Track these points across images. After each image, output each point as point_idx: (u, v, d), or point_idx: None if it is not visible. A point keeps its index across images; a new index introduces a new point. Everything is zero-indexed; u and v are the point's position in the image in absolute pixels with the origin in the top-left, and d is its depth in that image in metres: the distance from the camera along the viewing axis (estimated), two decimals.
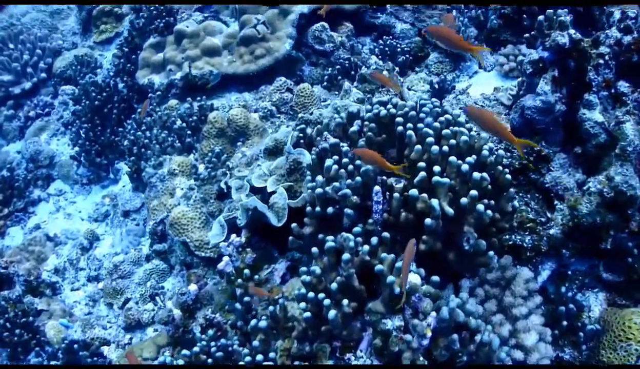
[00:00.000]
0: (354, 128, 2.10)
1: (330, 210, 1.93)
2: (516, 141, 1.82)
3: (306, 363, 1.78)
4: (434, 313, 1.58)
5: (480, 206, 1.71)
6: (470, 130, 1.92)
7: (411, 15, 3.75)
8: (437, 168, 1.75)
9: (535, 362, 1.76)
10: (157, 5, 4.00)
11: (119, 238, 3.48)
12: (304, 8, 3.59)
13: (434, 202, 1.71)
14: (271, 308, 1.97)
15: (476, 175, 1.75)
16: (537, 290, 1.92)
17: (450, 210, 1.72)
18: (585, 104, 2.10)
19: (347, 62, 3.44)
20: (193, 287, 2.51)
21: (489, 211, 1.74)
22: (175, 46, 3.82)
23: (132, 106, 4.12)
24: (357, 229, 1.81)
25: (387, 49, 3.58)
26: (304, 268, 1.83)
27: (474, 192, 1.71)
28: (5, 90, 4.65)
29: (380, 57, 3.55)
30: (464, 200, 1.71)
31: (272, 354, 1.87)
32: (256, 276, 2.23)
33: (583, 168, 2.16)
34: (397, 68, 3.38)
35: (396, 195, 1.80)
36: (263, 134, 3.05)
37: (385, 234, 1.76)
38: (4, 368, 2.97)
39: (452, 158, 1.77)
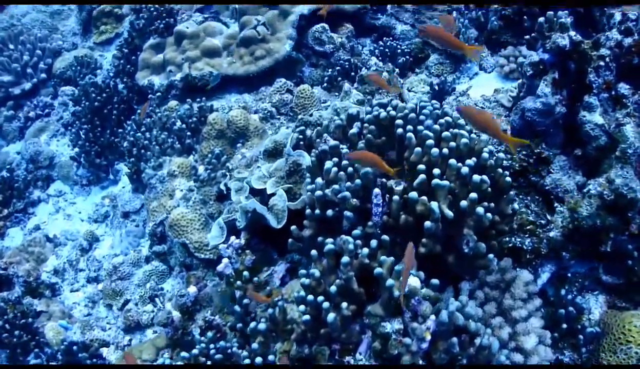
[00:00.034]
0: (354, 130, 2.10)
1: (329, 212, 1.92)
2: (509, 139, 1.84)
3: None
4: (433, 317, 1.57)
5: (480, 209, 1.71)
6: (470, 132, 1.92)
7: (411, 16, 3.75)
8: (436, 171, 1.75)
9: None
10: (157, 5, 4.00)
11: (119, 240, 3.48)
12: (304, 9, 3.59)
13: (434, 205, 1.71)
14: (270, 310, 1.96)
15: (476, 177, 1.74)
16: (537, 292, 1.92)
17: (449, 213, 1.72)
18: (585, 106, 2.10)
19: (347, 63, 3.43)
20: (192, 289, 2.51)
21: (489, 214, 1.73)
22: (175, 47, 3.82)
23: (132, 107, 4.12)
24: (356, 232, 1.81)
25: (387, 50, 3.57)
26: (303, 271, 1.83)
27: (473, 195, 1.71)
28: (5, 91, 4.65)
29: (380, 58, 3.55)
30: (463, 202, 1.70)
31: (271, 357, 1.86)
32: (255, 278, 2.23)
33: (583, 170, 2.15)
34: (397, 70, 3.38)
35: (396, 197, 1.79)
36: (263, 135, 3.05)
37: (385, 237, 1.76)
38: (4, 368, 2.97)
39: (452, 161, 1.76)
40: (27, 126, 4.54)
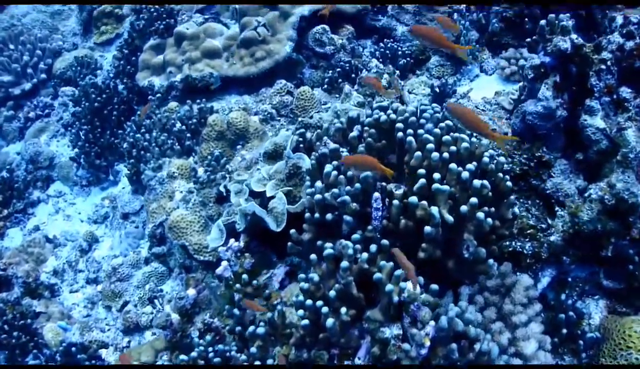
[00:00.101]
0: (354, 133, 2.09)
1: (329, 216, 1.91)
2: (497, 137, 1.84)
3: None
4: (432, 322, 1.57)
5: (481, 214, 1.70)
6: (471, 136, 1.91)
7: (412, 18, 3.73)
8: (437, 176, 1.74)
9: None
10: (157, 6, 3.99)
11: (118, 241, 3.47)
12: (305, 10, 3.58)
13: (434, 210, 1.70)
14: (269, 314, 1.96)
15: (476, 182, 1.73)
16: (537, 297, 1.91)
17: (450, 218, 1.71)
18: (586, 110, 2.09)
19: (347, 65, 3.42)
20: (191, 291, 2.50)
21: (489, 219, 1.73)
22: (176, 48, 3.81)
23: (132, 108, 4.11)
24: (356, 236, 1.80)
25: (388, 52, 3.56)
26: (302, 275, 1.82)
27: (474, 200, 1.70)
28: (5, 91, 4.64)
29: (381, 60, 3.54)
30: (464, 207, 1.69)
31: (269, 361, 1.86)
32: (255, 281, 2.22)
33: (584, 174, 2.14)
34: (397, 72, 3.36)
35: (396, 202, 1.79)
36: (263, 137, 3.04)
37: (385, 241, 1.75)
38: (4, 368, 2.97)
39: (453, 165, 1.75)
40: (27, 126, 4.53)
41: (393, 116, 1.99)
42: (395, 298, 1.60)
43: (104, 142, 3.98)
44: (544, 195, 2.16)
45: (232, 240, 2.41)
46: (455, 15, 3.51)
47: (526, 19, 3.23)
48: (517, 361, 1.74)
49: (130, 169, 3.49)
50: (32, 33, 4.86)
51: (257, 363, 1.83)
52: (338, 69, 3.41)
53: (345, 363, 1.72)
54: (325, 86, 3.39)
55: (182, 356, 2.11)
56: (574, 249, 2.08)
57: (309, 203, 2.01)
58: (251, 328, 1.96)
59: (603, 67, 2.07)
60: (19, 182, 4.08)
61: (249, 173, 2.72)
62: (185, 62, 3.66)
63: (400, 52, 3.55)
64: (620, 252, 2.00)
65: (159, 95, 3.69)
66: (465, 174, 1.73)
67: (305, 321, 1.72)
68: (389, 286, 1.60)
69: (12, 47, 4.73)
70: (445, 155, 1.79)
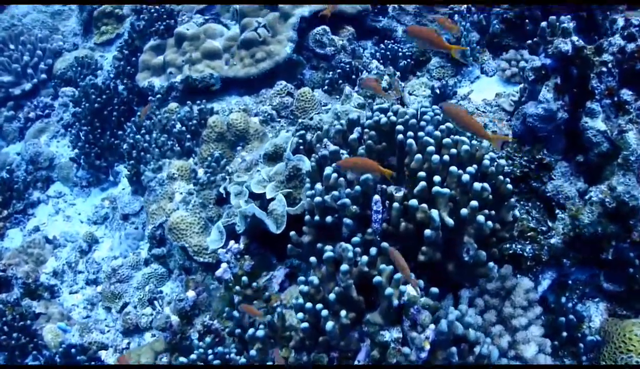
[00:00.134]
0: (354, 135, 2.08)
1: (329, 219, 1.91)
2: (491, 137, 1.84)
3: None
4: (432, 326, 1.56)
5: (481, 217, 1.69)
6: (471, 138, 1.90)
7: (413, 19, 3.73)
8: (437, 178, 1.74)
9: None
10: (158, 7, 3.98)
11: (118, 242, 3.47)
12: (305, 11, 3.57)
13: (434, 213, 1.69)
14: (269, 317, 1.95)
15: (477, 185, 1.73)
16: (537, 300, 1.90)
17: (450, 221, 1.70)
18: (587, 112, 2.08)
19: (348, 66, 3.42)
20: (191, 293, 2.49)
21: (490, 222, 1.72)
22: (176, 49, 3.81)
23: (132, 109, 4.11)
24: (355, 239, 1.80)
25: (388, 53, 3.56)
26: (302, 278, 1.82)
27: (474, 203, 1.69)
28: (5, 91, 4.64)
29: (381, 61, 3.53)
30: (464, 210, 1.69)
31: (269, 364, 1.85)
32: (254, 284, 2.22)
33: (585, 177, 2.14)
34: (398, 73, 3.36)
35: (396, 204, 1.78)
36: (263, 139, 3.03)
37: (385, 244, 1.74)
38: (4, 368, 2.97)
39: (453, 168, 1.75)
40: (27, 127, 4.53)
41: (393, 118, 1.98)
42: (395, 302, 1.59)
43: (104, 142, 3.97)
44: (545, 197, 2.15)
45: (232, 242, 2.40)
46: (456, 17, 3.50)
47: (527, 21, 3.22)
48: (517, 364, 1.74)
49: (130, 170, 3.48)
50: (32, 33, 4.86)
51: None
52: (338, 70, 3.41)
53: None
54: (326, 87, 3.39)
55: (182, 358, 2.11)
56: (574, 252, 2.07)
57: (309, 206, 2.01)
58: (251, 331, 1.95)
59: (604, 69, 2.06)
60: (18, 183, 4.08)
61: (249, 175, 2.71)
62: (185, 63, 3.66)
63: (400, 54, 3.54)
64: (621, 255, 1.99)
65: (159, 96, 3.69)
66: (465, 177, 1.72)
67: (305, 324, 1.71)
68: (389, 290, 1.59)
69: (12, 47, 4.72)
70: (446, 157, 1.78)
